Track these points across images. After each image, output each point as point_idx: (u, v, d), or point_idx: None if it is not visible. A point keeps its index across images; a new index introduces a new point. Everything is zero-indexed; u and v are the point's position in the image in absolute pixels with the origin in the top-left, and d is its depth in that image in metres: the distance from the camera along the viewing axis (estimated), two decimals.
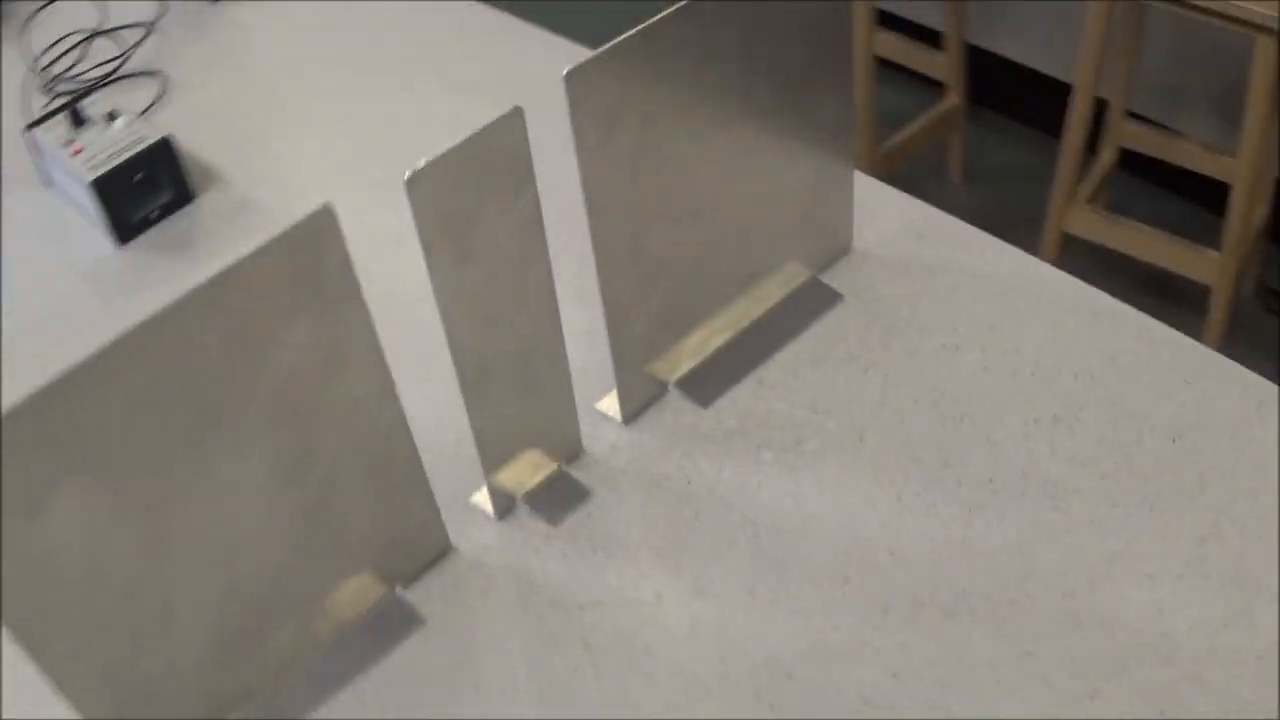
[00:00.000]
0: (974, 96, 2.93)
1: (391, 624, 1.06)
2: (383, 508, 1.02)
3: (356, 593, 1.05)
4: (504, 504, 1.11)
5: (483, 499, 1.11)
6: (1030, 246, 2.34)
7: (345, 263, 0.90)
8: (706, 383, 1.19)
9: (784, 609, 1.03)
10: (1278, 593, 1.01)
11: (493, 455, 1.08)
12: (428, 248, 0.93)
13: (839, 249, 1.27)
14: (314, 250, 0.88)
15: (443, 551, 1.09)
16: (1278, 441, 1.09)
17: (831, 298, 1.25)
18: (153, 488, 0.88)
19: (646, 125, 1.02)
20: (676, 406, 1.18)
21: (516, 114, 0.93)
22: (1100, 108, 2.48)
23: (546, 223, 1.00)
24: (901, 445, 1.13)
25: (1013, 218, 2.55)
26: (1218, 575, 1.02)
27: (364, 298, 0.92)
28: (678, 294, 1.13)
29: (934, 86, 2.82)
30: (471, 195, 0.94)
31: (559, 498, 1.12)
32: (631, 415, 1.16)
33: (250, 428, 0.91)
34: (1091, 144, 2.55)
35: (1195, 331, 2.22)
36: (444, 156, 0.91)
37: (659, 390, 1.18)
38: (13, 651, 0.80)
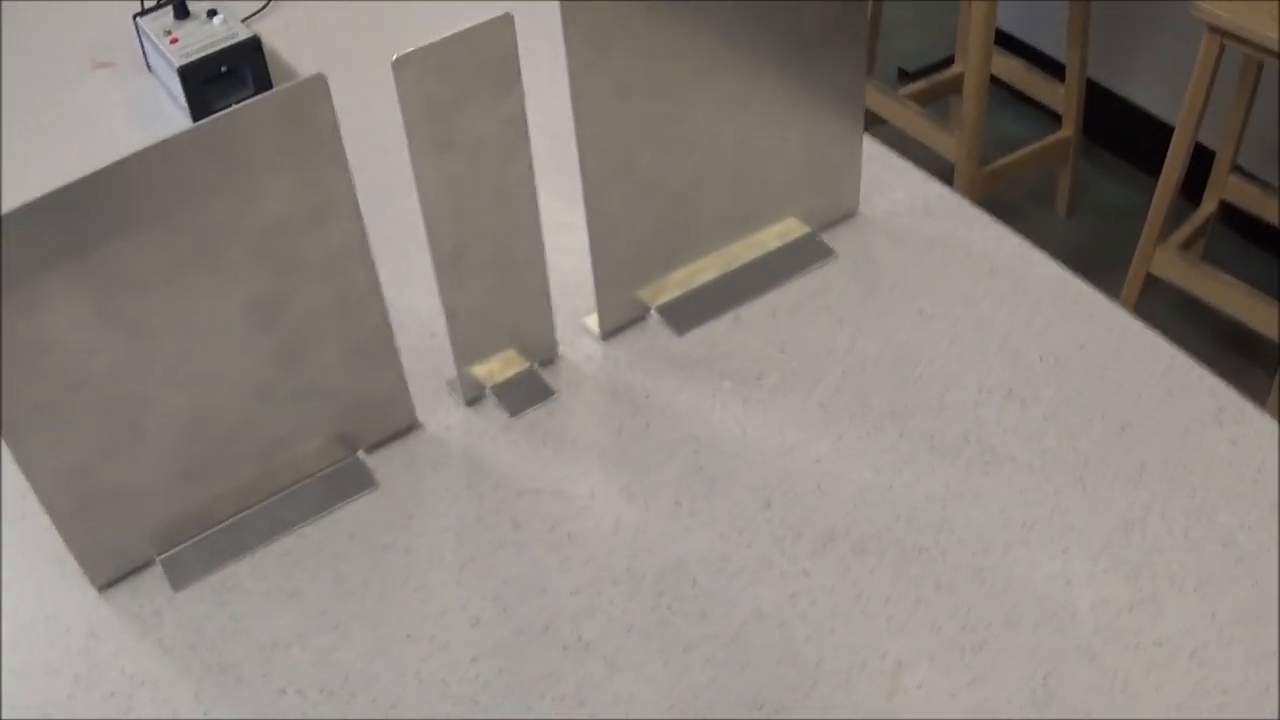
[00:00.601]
0: (1090, 133, 2.92)
1: (348, 482, 1.12)
2: (351, 369, 1.09)
3: (320, 448, 1.13)
4: (473, 392, 1.16)
5: (455, 383, 1.17)
6: (1119, 287, 2.34)
7: (333, 129, 0.97)
8: (687, 313, 1.23)
9: (703, 521, 1.08)
10: (1189, 586, 1.04)
11: (465, 344, 1.14)
12: (410, 129, 0.99)
13: (842, 211, 1.30)
14: (305, 112, 0.95)
15: (409, 426, 1.16)
16: (1228, 448, 1.11)
17: (825, 254, 1.29)
18: (137, 305, 0.96)
19: (643, 53, 1.07)
20: (654, 330, 1.23)
21: (506, 19, 0.99)
22: (1209, 159, 2.46)
23: (546, 145, 1.05)
24: (855, 393, 1.16)
25: (1109, 257, 2.54)
26: (1134, 562, 1.04)
27: (349, 167, 0.98)
28: (666, 222, 1.18)
29: (1051, 118, 2.81)
30: (457, 87, 1.00)
31: (525, 394, 1.18)
32: (610, 331, 1.21)
33: (231, 266, 0.99)
34: (1200, 195, 2.53)
35: (1264, 390, 2.19)
36: (432, 46, 0.97)
37: (640, 313, 1.23)
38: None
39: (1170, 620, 1.00)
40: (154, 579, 1.08)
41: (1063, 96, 2.61)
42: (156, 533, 1.07)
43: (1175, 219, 2.39)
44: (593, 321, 1.21)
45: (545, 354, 1.19)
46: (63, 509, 1.01)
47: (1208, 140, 2.44)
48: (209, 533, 1.09)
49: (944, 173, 2.50)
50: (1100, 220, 2.73)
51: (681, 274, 1.22)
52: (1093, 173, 2.88)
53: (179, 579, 1.07)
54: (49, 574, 1.09)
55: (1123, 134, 2.86)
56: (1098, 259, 2.58)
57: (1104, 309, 1.22)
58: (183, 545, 1.09)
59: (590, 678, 0.99)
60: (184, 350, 0.99)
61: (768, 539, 1.06)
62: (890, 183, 1.35)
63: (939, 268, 1.26)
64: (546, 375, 1.19)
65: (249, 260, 0.98)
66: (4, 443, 0.96)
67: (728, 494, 1.09)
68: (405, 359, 1.14)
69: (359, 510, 1.10)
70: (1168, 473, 1.08)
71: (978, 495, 1.08)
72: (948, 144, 2.53)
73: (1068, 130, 2.61)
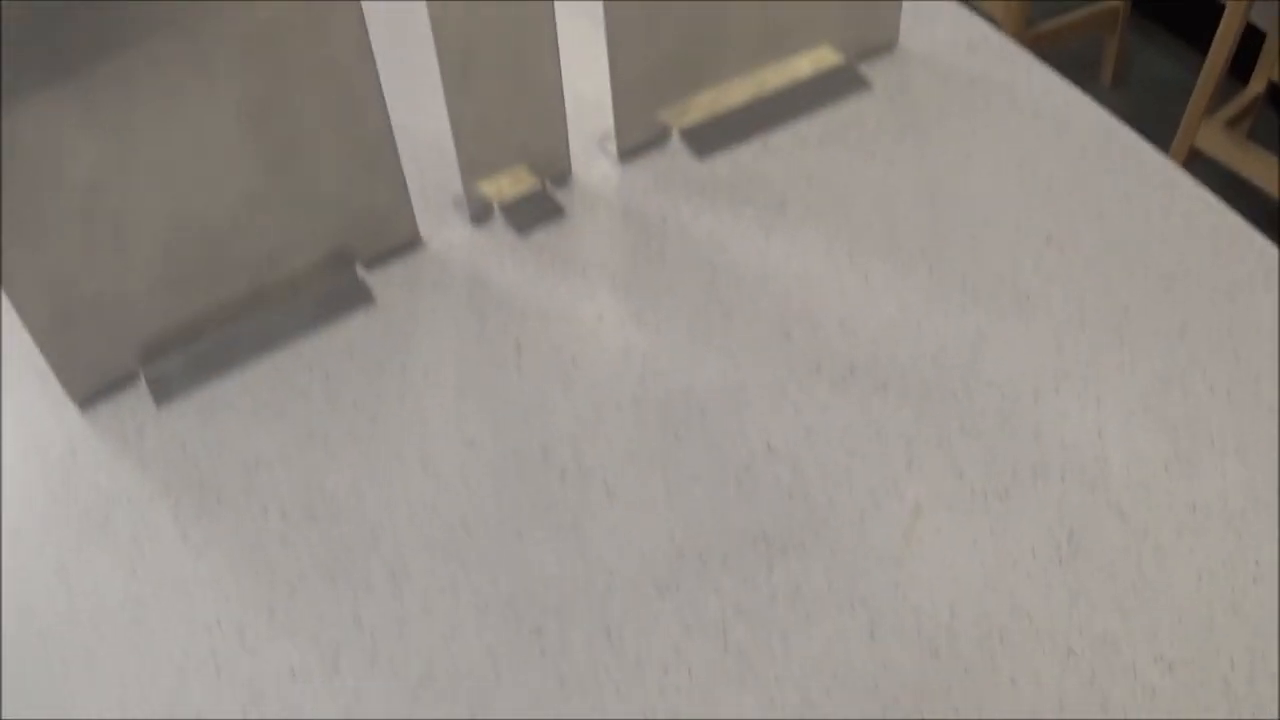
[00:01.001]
0: (1140, 4, 2.82)
1: (344, 298, 1.06)
2: (349, 176, 1.02)
3: (316, 262, 1.06)
4: (480, 209, 1.09)
5: (462, 200, 1.10)
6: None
7: None
8: (711, 137, 1.16)
9: (717, 349, 1.01)
10: (1230, 449, 0.97)
11: (473, 157, 1.08)
12: None
13: (881, 43, 1.22)
14: None
15: (411, 242, 1.09)
16: (1277, 314, 1.03)
17: (860, 85, 1.21)
18: (119, 106, 0.89)
19: None
20: (676, 153, 1.16)
21: None
22: (1260, 39, 2.37)
23: None
24: (884, 228, 1.09)
25: (1152, 130, 2.44)
26: (1173, 418, 0.97)
27: None
28: (690, 37, 1.11)
29: None
30: None
31: (535, 213, 1.11)
32: (628, 151, 1.14)
33: (223, 63, 0.92)
34: (1249, 75, 2.43)
35: None
36: None
37: (662, 134, 1.16)
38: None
39: (1207, 483, 0.93)
40: (137, 395, 1.03)
41: None
42: (141, 347, 1.02)
43: (1223, 97, 2.30)
44: (610, 141, 1.13)
45: (558, 172, 1.11)
46: (41, 320, 0.95)
47: (1260, 21, 2.35)
48: (196, 347, 1.03)
49: None
50: (1145, 93, 2.63)
51: (707, 97, 1.14)
52: (1141, 45, 2.78)
53: (162, 394, 1.01)
54: (30, 390, 1.03)
55: (1173, 8, 2.76)
56: (1141, 131, 2.49)
57: (1152, 161, 1.14)
58: (169, 360, 1.03)
59: (587, 504, 0.93)
60: (170, 154, 0.93)
61: (785, 371, 0.99)
62: (933, 18, 1.27)
63: (980, 107, 1.18)
64: (559, 195, 1.12)
65: (242, 58, 0.92)
66: None
67: (744, 324, 1.02)
68: (411, 175, 1.08)
69: (354, 327, 1.04)
70: (1211, 333, 1.01)
71: (1010, 340, 1.01)
72: (995, 5, 2.44)
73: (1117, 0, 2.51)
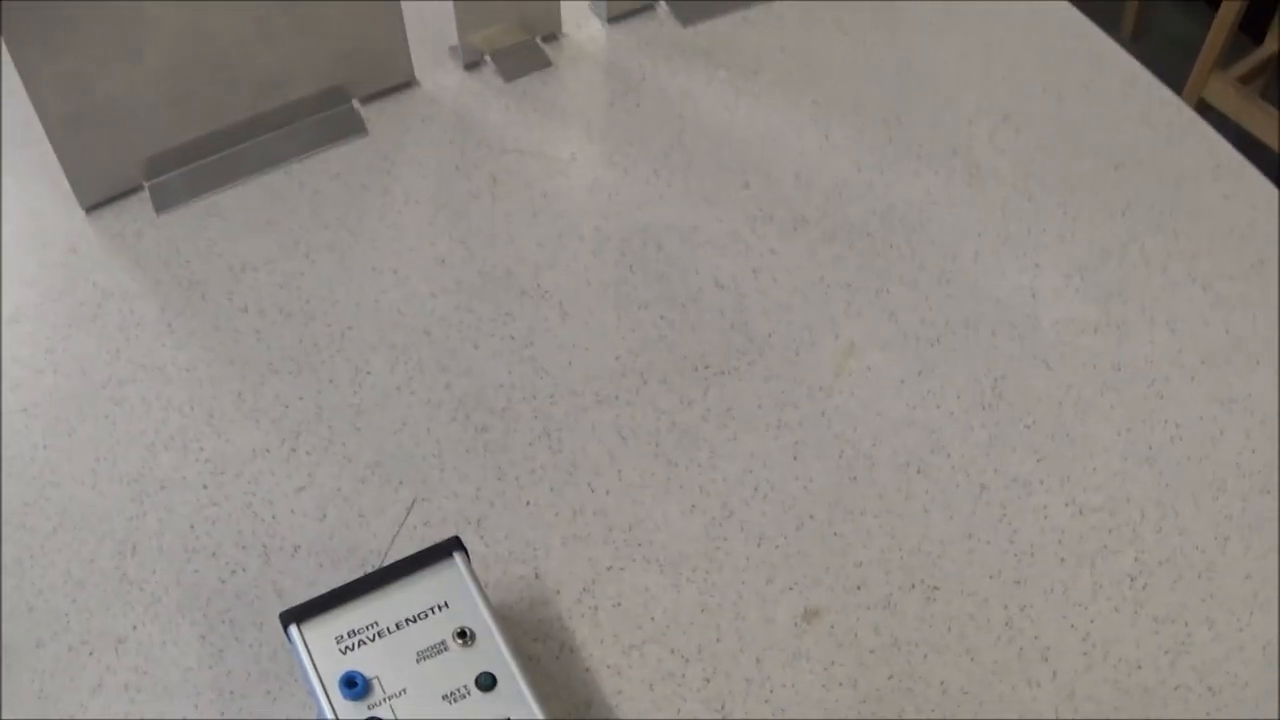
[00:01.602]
0: None
1: (339, 127, 1.09)
2: (352, 17, 1.06)
3: (317, 93, 1.10)
4: (472, 56, 1.13)
5: (458, 49, 1.14)
6: None
7: None
8: (696, 7, 1.19)
9: (677, 191, 1.04)
10: (1161, 320, 1.00)
11: (469, 7, 1.11)
12: None
13: None
14: None
15: (406, 82, 1.13)
16: (1220, 201, 1.07)
17: None
18: None
19: None
20: (662, 20, 1.19)
21: None
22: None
23: None
24: (851, 96, 1.12)
25: (1169, 85, 2.45)
26: (1106, 287, 1.00)
27: None
28: None
29: None
30: None
31: (522, 62, 1.14)
32: (617, 16, 1.17)
33: None
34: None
35: None
36: None
37: (650, 2, 1.18)
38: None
39: (1134, 348, 0.95)
40: (140, 203, 1.06)
41: None
42: (148, 161, 1.05)
43: (1239, 57, 2.30)
44: (601, 4, 1.16)
45: (548, 29, 1.14)
46: (57, 120, 0.99)
47: None
48: (198, 163, 1.07)
49: None
50: (1166, 48, 2.63)
51: None
52: (1165, 4, 2.77)
53: (163, 202, 1.05)
54: (40, 194, 1.07)
55: None
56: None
57: (1117, 58, 1.16)
58: (172, 174, 1.06)
59: (542, 322, 0.96)
60: None
61: (739, 216, 1.02)
62: None
63: None
64: (548, 50, 1.15)
65: None
66: (5, 48, 0.93)
67: (706, 171, 1.05)
68: (412, 21, 1.11)
69: (346, 153, 1.08)
70: (1154, 213, 1.04)
71: (956, 204, 1.03)
72: None
73: None
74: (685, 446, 0.90)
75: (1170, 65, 2.61)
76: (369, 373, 0.94)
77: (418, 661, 0.70)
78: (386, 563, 0.78)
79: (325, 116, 1.08)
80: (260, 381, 0.94)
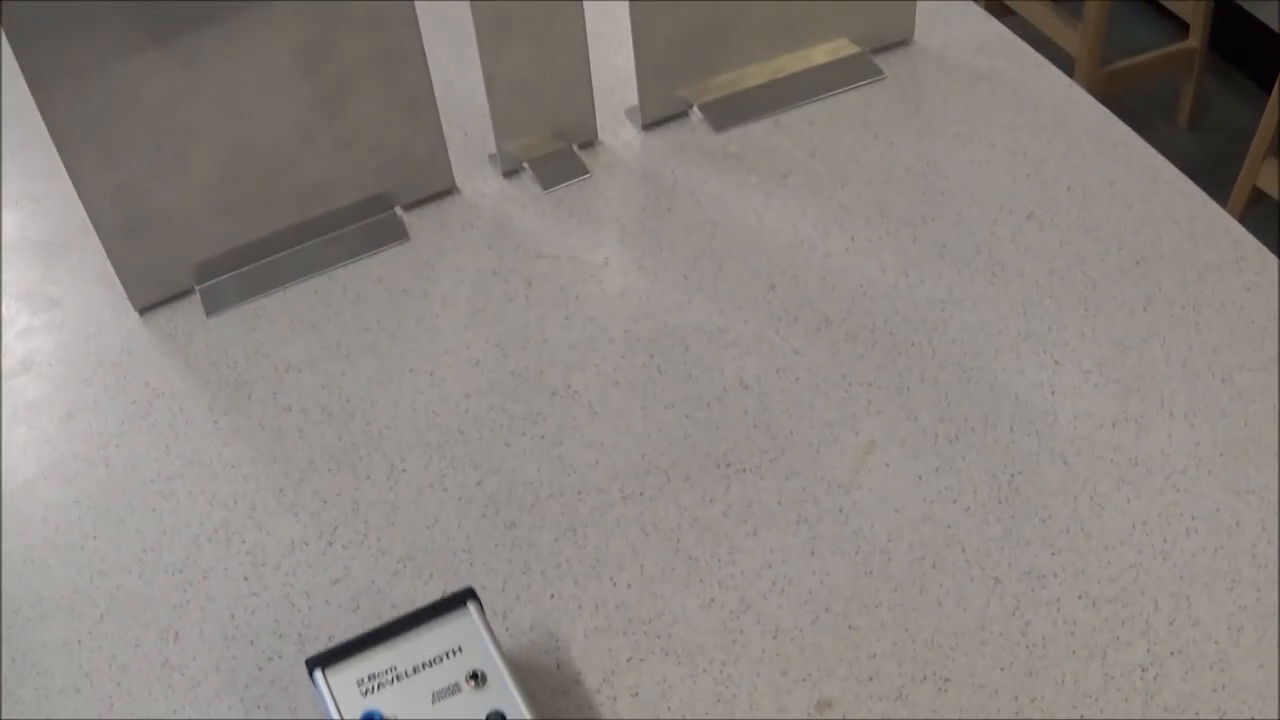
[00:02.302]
0: (1223, 50, 2.81)
1: (382, 233, 1.14)
2: (392, 124, 1.11)
3: (360, 201, 1.15)
4: (511, 163, 1.18)
5: (496, 157, 1.19)
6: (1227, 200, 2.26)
7: None
8: (728, 113, 1.23)
9: (706, 296, 1.08)
10: (1180, 413, 1.01)
11: (505, 115, 1.16)
12: None
13: (895, 37, 1.28)
14: None
15: (447, 190, 1.18)
16: (1241, 293, 1.09)
17: (873, 73, 1.27)
18: (188, 36, 0.99)
19: None
20: (695, 126, 1.23)
21: None
22: None
23: None
24: (875, 200, 1.15)
25: (1225, 174, 2.45)
26: (1125, 382, 1.02)
27: None
28: (710, 26, 1.18)
29: (1183, 29, 2.72)
30: None
31: (560, 170, 1.19)
32: (650, 123, 1.21)
33: (283, 9, 1.01)
34: None
35: None
36: None
37: (683, 108, 1.23)
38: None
39: (1152, 442, 0.97)
40: (191, 306, 1.11)
41: (1190, 6, 2.52)
42: (198, 265, 1.11)
43: None
44: (636, 112, 1.21)
45: (584, 137, 1.19)
46: (111, 228, 1.05)
47: None
48: (247, 268, 1.12)
49: (1065, 66, 2.44)
50: (1222, 137, 2.64)
51: (727, 77, 1.21)
52: (1222, 90, 2.78)
53: (213, 306, 1.10)
54: (96, 296, 1.13)
55: (1252, 51, 2.76)
56: (1213, 174, 2.49)
57: (1142, 154, 1.19)
58: (221, 278, 1.12)
59: (571, 421, 1.00)
60: (232, 85, 1.02)
61: (765, 318, 1.06)
62: (952, 19, 1.33)
63: (984, 98, 1.24)
64: (584, 156, 1.20)
65: (298, 7, 1.00)
66: (62, 161, 0.99)
67: (734, 275, 1.09)
68: (454, 129, 1.16)
69: (388, 259, 1.12)
70: (1175, 307, 1.06)
71: (978, 302, 1.06)
72: (1071, 39, 2.46)
73: (1193, 41, 2.52)
74: (706, 542, 0.93)
75: (1230, 154, 2.62)
76: (404, 470, 0.98)
77: (433, 702, 0.76)
78: None
79: (369, 223, 1.14)
80: (301, 478, 0.99)
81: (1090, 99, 1.24)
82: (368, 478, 0.98)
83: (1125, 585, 0.91)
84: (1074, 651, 0.87)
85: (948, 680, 0.86)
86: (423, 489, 0.97)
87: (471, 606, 0.81)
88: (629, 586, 0.91)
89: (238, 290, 1.11)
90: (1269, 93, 2.23)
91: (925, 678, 0.86)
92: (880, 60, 1.29)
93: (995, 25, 1.31)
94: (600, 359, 1.04)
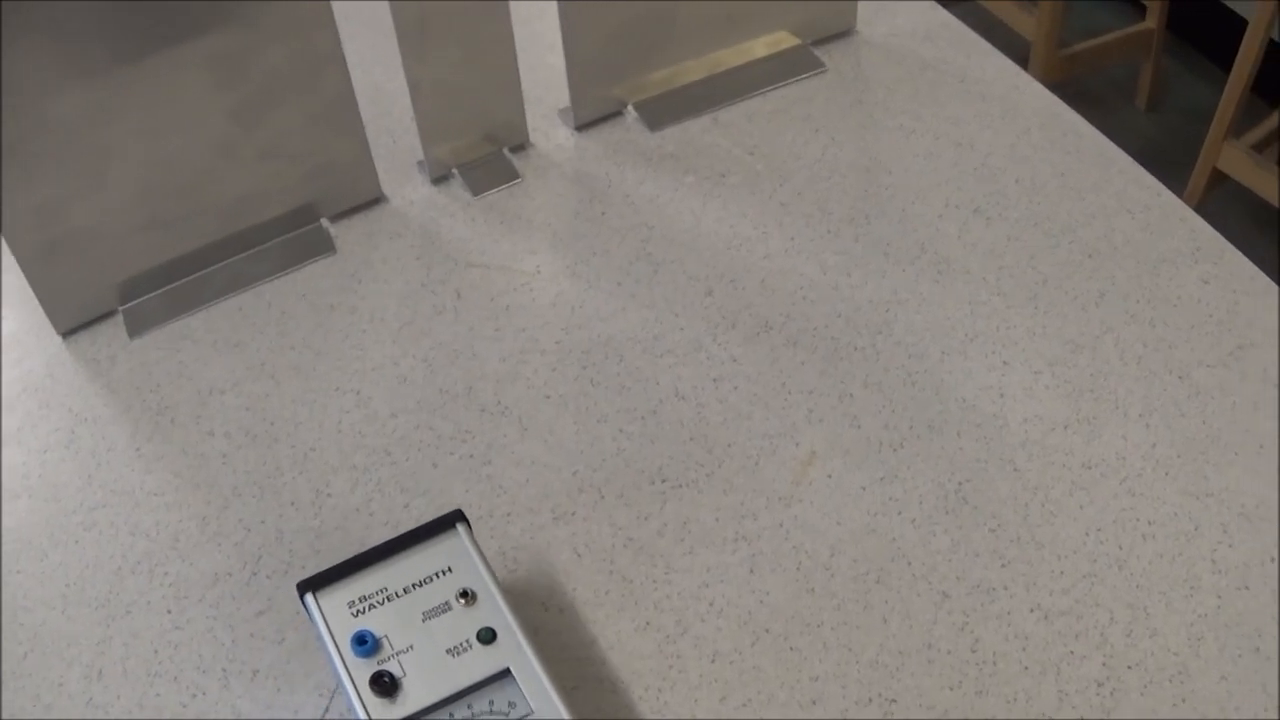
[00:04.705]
0: (1181, 31, 2.76)
1: (308, 246, 1.09)
2: (314, 134, 1.05)
3: (285, 213, 1.09)
4: (439, 170, 1.12)
5: (425, 162, 1.13)
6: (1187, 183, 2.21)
7: None
8: (664, 111, 1.18)
9: (640, 302, 1.02)
10: (1135, 413, 0.96)
11: (432, 120, 1.10)
12: None
13: (837, 28, 1.23)
14: None
15: (374, 199, 1.12)
16: (1198, 286, 1.03)
17: (814, 65, 1.22)
18: (98, 51, 0.93)
19: None
20: (630, 126, 1.18)
21: None
22: None
23: None
24: (816, 198, 1.10)
25: (1185, 155, 2.41)
26: (1077, 383, 0.97)
27: None
28: (645, 16, 1.12)
29: (1139, 10, 2.67)
30: None
31: (490, 175, 1.14)
32: (584, 123, 1.16)
33: (193, 18, 0.95)
34: None
35: None
36: None
37: (617, 108, 1.17)
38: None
39: (1106, 444, 0.92)
40: (114, 327, 1.06)
41: None
42: (120, 286, 1.05)
43: (1255, 121, 2.25)
44: (568, 112, 1.15)
45: (516, 140, 1.13)
46: (30, 250, 0.99)
47: None
48: (171, 286, 1.07)
49: (1020, 52, 2.38)
50: (1181, 118, 2.59)
51: (663, 74, 1.15)
52: (1181, 72, 2.73)
53: (136, 327, 1.05)
54: (20, 319, 1.08)
55: (1210, 32, 2.71)
56: (1172, 156, 2.44)
57: (1094, 142, 1.13)
58: (145, 298, 1.06)
59: (501, 439, 0.95)
60: (146, 100, 0.96)
61: (702, 324, 1.00)
62: (896, 8, 1.27)
63: (929, 89, 1.18)
64: (515, 160, 1.14)
65: (208, 16, 0.94)
66: None
67: (670, 280, 1.04)
68: (383, 139, 1.11)
69: (314, 272, 1.07)
70: (1129, 302, 1.00)
71: (923, 302, 1.01)
72: (1027, 23, 2.41)
73: (1151, 22, 2.47)
74: (640, 563, 0.88)
75: (1190, 136, 2.57)
76: (329, 495, 0.93)
77: (423, 620, 0.77)
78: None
79: (294, 236, 1.08)
80: (224, 505, 0.93)
81: (1040, 87, 1.18)
82: (292, 504, 0.93)
83: (1079, 596, 0.86)
84: (1026, 668, 0.82)
85: (894, 702, 0.81)
86: (348, 514, 0.92)
87: (460, 528, 0.80)
88: (561, 612, 0.86)
89: (161, 310, 1.05)
90: (1229, 73, 2.18)
91: (870, 700, 0.81)
92: (822, 52, 1.23)
93: (941, 13, 1.26)
94: (531, 372, 0.99)
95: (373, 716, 0.73)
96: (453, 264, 1.06)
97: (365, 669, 0.75)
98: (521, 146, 1.14)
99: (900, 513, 0.90)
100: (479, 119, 1.10)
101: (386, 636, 0.76)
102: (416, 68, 1.04)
